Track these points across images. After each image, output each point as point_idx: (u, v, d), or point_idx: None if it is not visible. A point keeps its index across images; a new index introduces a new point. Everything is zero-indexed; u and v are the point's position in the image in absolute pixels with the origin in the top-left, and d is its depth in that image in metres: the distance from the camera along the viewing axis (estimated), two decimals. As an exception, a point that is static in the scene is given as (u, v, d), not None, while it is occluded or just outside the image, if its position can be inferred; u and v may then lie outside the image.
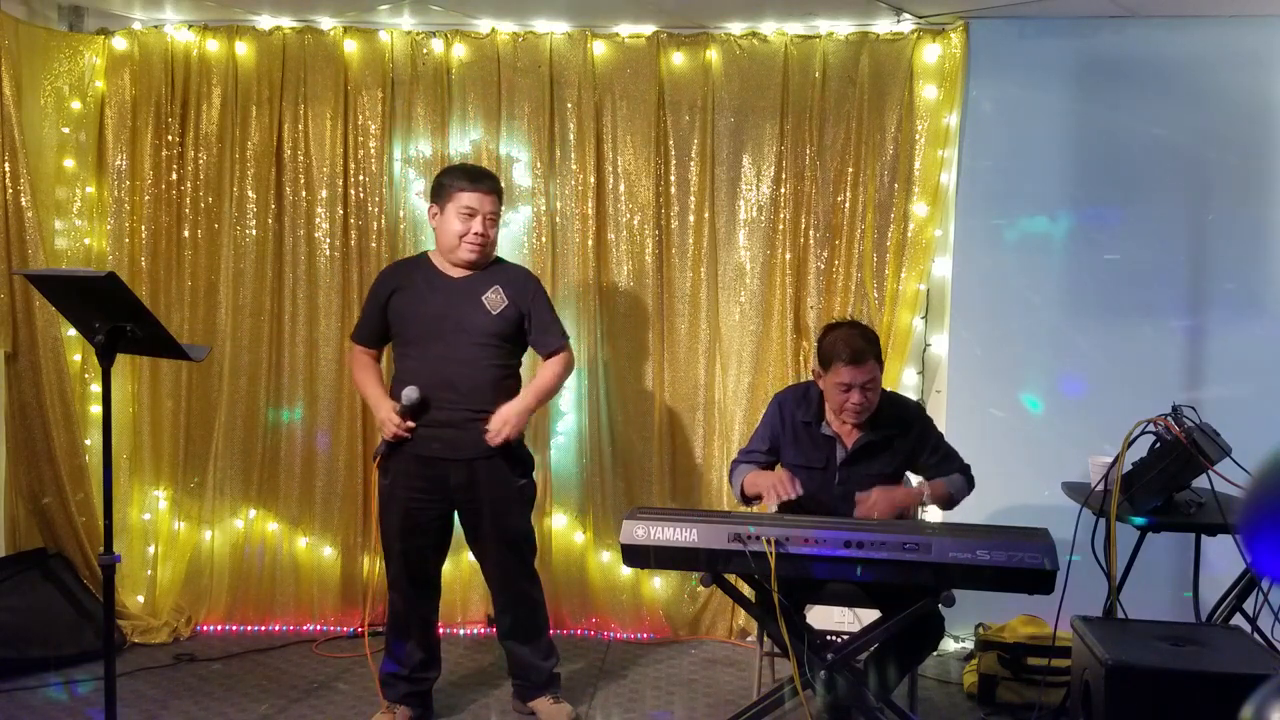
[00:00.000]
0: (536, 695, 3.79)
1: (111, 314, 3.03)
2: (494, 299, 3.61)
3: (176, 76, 4.59)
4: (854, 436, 3.50)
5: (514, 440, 3.59)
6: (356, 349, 3.78)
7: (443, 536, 3.72)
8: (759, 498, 3.49)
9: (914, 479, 3.73)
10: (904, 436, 3.51)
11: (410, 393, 3.51)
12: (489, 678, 4.18)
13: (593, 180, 4.58)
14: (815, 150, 4.50)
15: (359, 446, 4.61)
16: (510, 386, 3.67)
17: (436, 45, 4.60)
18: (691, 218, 4.60)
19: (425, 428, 3.55)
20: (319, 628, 4.66)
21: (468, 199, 3.55)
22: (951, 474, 3.50)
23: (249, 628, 4.67)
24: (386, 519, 3.66)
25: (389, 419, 3.54)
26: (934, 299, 4.54)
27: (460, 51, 4.61)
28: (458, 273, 3.62)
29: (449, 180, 3.61)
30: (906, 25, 4.46)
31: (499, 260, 3.73)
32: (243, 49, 4.60)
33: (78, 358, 4.56)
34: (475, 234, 3.56)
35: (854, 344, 3.36)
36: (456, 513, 3.70)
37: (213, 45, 4.61)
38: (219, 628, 4.67)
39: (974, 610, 3.95)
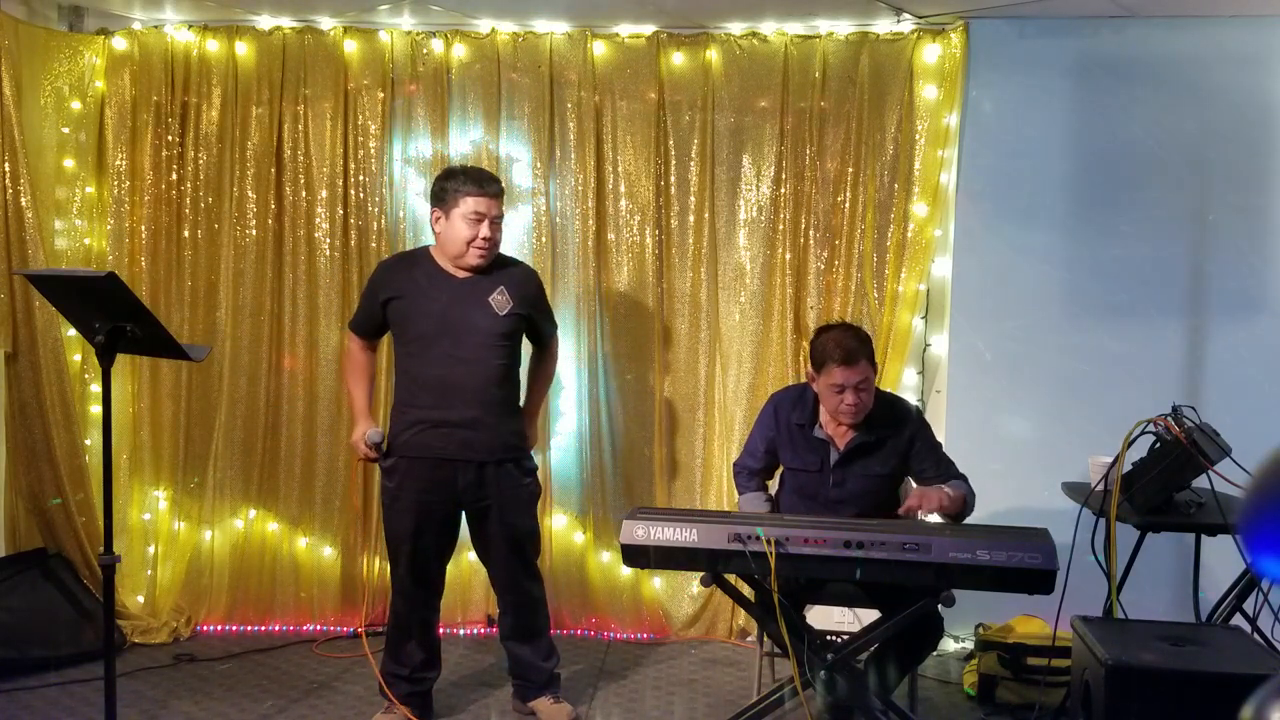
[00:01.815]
0: (537, 695, 3.79)
1: (111, 314, 3.03)
2: (500, 300, 3.61)
3: (176, 76, 4.60)
4: (847, 437, 3.50)
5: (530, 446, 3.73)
6: (354, 340, 3.78)
7: (449, 537, 3.72)
8: None
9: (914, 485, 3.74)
10: (897, 436, 3.51)
11: (374, 434, 3.61)
12: (489, 678, 4.18)
13: (593, 180, 4.58)
14: (815, 150, 4.50)
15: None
16: (513, 382, 3.71)
17: (436, 45, 4.60)
18: (691, 218, 4.60)
19: (435, 428, 3.55)
20: (319, 628, 4.66)
21: (475, 204, 3.53)
22: (956, 483, 3.48)
23: (249, 628, 4.68)
24: (394, 521, 3.65)
25: (359, 443, 3.64)
26: (934, 299, 4.54)
27: (460, 51, 4.61)
28: (461, 272, 3.62)
29: (453, 185, 3.57)
30: (906, 25, 4.46)
31: (498, 256, 3.73)
32: (243, 49, 4.60)
33: (78, 358, 4.56)
34: (483, 239, 3.55)
35: (846, 345, 3.36)
36: (463, 513, 3.70)
37: (213, 45, 4.61)
38: (219, 628, 4.67)
39: (974, 610, 3.95)
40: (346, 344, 3.91)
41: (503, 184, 3.76)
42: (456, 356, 3.55)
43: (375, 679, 3.79)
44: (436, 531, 3.66)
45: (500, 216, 3.62)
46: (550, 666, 3.82)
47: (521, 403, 3.78)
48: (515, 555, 3.71)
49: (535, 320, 3.74)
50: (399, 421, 3.62)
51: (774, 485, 3.78)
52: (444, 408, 3.54)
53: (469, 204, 3.53)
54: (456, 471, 3.58)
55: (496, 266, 3.68)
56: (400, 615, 3.73)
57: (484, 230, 3.54)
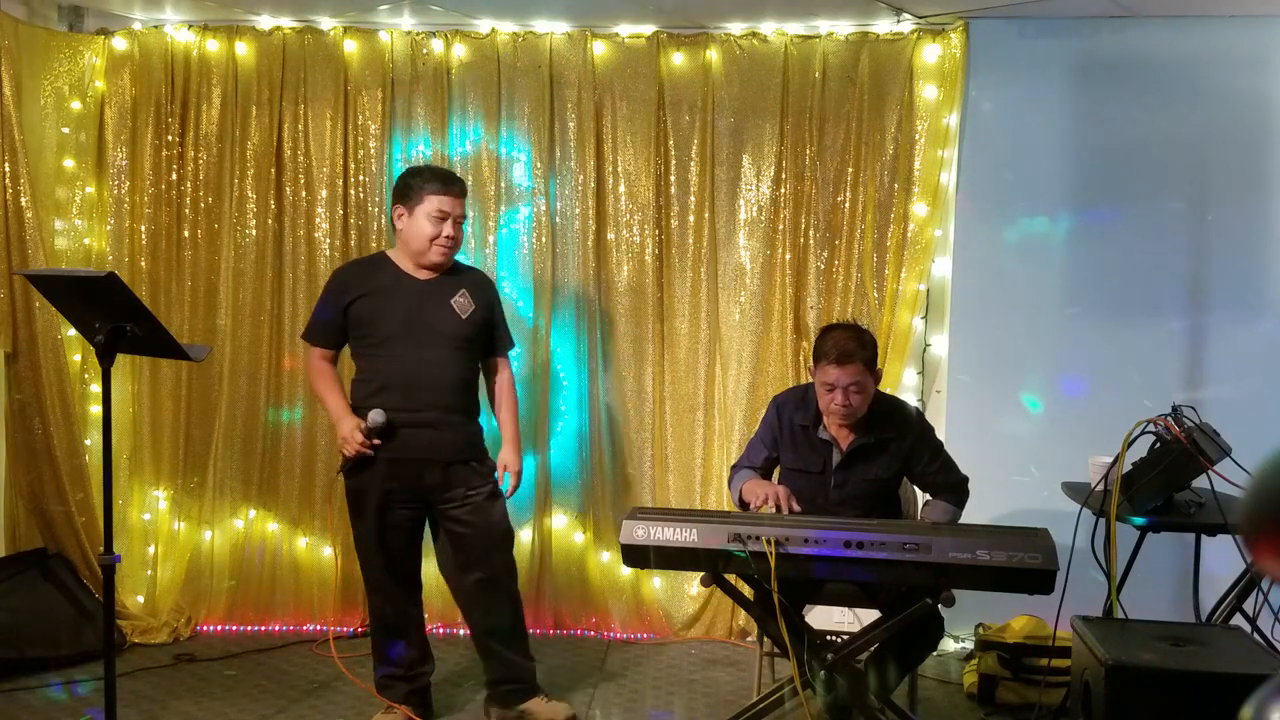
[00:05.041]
0: (527, 697, 3.76)
1: (111, 314, 3.03)
2: (462, 303, 3.63)
3: (176, 76, 4.60)
4: (849, 439, 3.49)
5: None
6: (315, 352, 3.69)
7: (417, 535, 3.72)
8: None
9: (919, 493, 3.74)
10: (900, 440, 3.50)
11: (376, 415, 3.49)
12: (489, 678, 4.18)
13: (593, 180, 4.59)
14: (815, 150, 4.50)
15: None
16: (475, 387, 3.72)
17: (436, 45, 4.60)
18: (691, 218, 4.60)
19: (401, 428, 3.54)
20: (319, 628, 4.66)
21: (439, 202, 3.54)
22: (945, 494, 3.52)
23: (249, 628, 4.68)
24: (360, 522, 3.64)
25: (352, 437, 3.51)
26: (934, 299, 4.54)
27: (460, 51, 4.61)
28: (423, 275, 3.63)
29: (418, 182, 3.58)
30: (906, 25, 4.46)
31: (455, 261, 3.72)
32: (243, 49, 4.60)
33: (78, 358, 4.56)
34: (446, 237, 3.57)
35: (843, 345, 3.36)
36: (431, 512, 3.68)
37: (213, 45, 4.61)
38: (219, 628, 4.67)
39: (974, 610, 3.95)
40: (307, 359, 3.80)
41: (467, 184, 3.75)
42: (424, 358, 3.56)
43: (374, 679, 3.78)
44: (403, 530, 3.65)
45: (464, 216, 3.63)
46: (534, 666, 3.82)
47: (483, 407, 3.76)
48: (499, 553, 3.71)
49: (493, 325, 3.73)
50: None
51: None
52: (410, 409, 3.53)
53: (433, 202, 3.54)
54: (422, 471, 3.58)
55: (455, 271, 3.69)
56: (385, 615, 3.72)
57: (447, 229, 3.56)
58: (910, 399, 4.40)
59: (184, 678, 4.17)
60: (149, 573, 4.67)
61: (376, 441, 3.52)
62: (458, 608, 3.88)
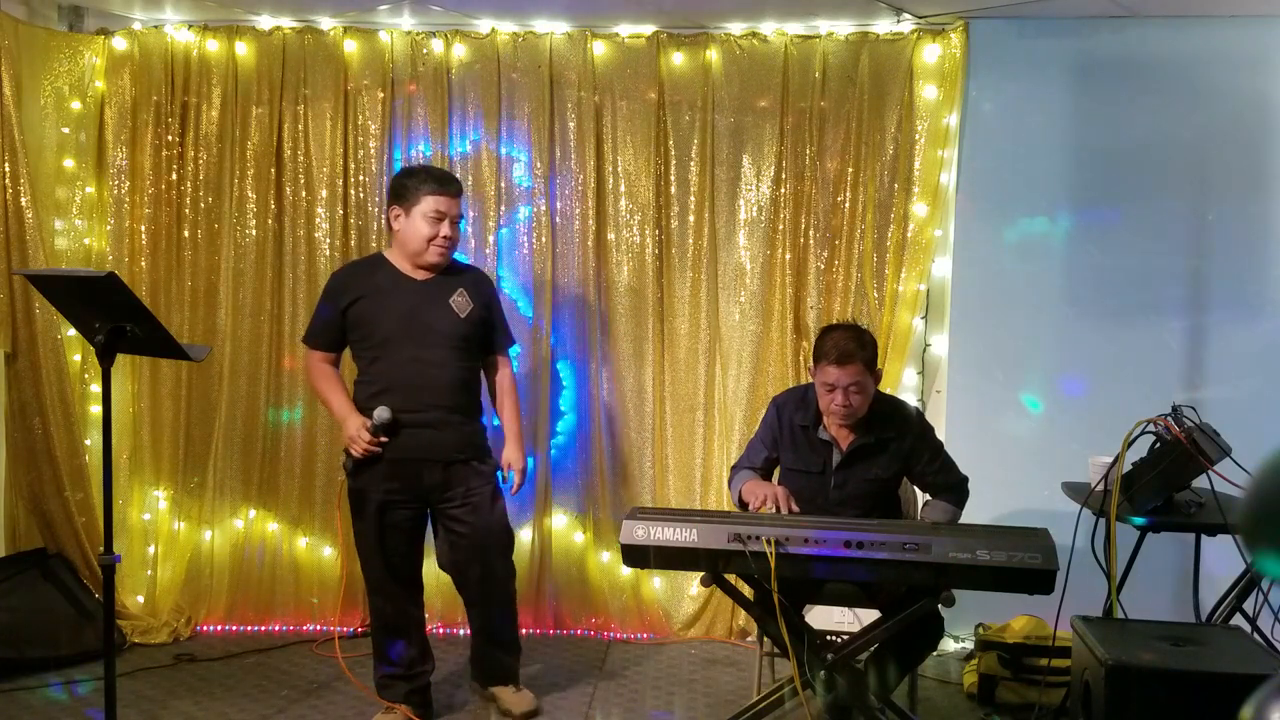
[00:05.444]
0: (498, 684, 3.82)
1: (111, 314, 3.03)
2: (460, 302, 3.64)
3: (176, 76, 4.60)
4: (849, 439, 3.49)
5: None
6: (315, 355, 3.70)
7: (418, 535, 3.73)
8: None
9: (919, 493, 3.74)
10: (900, 440, 3.50)
11: (382, 412, 3.49)
12: (489, 678, 4.18)
13: (593, 180, 4.59)
14: (815, 150, 4.50)
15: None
16: (476, 386, 3.73)
17: (436, 45, 4.60)
18: (691, 218, 4.60)
19: (402, 428, 3.54)
20: (319, 628, 4.66)
21: (436, 203, 3.55)
22: (945, 494, 3.52)
23: (249, 628, 4.68)
24: (361, 522, 3.64)
25: (360, 435, 3.50)
26: (934, 299, 4.54)
27: (460, 51, 4.61)
28: (421, 275, 3.63)
29: (414, 183, 3.59)
30: (906, 25, 4.46)
31: (452, 260, 3.73)
32: (243, 49, 4.60)
33: (78, 358, 4.56)
34: (444, 237, 3.58)
35: (842, 345, 3.36)
36: (430, 512, 3.70)
37: (213, 45, 4.61)
38: (219, 628, 4.67)
39: (974, 610, 3.95)
40: (307, 361, 3.80)
41: (467, 184, 3.76)
42: (424, 358, 3.56)
43: (374, 679, 3.79)
44: (404, 530, 3.66)
45: (460, 216, 3.64)
46: (516, 664, 3.87)
47: (484, 405, 3.78)
48: (499, 553, 3.72)
49: (491, 323, 3.75)
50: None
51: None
52: (410, 409, 3.54)
53: (430, 202, 3.55)
54: (423, 470, 3.59)
55: (453, 270, 3.70)
56: (386, 615, 3.73)
57: (445, 229, 3.57)
58: (910, 399, 4.40)
59: (184, 678, 4.17)
60: (149, 573, 4.67)
61: (384, 439, 3.52)
62: (462, 602, 3.89)
